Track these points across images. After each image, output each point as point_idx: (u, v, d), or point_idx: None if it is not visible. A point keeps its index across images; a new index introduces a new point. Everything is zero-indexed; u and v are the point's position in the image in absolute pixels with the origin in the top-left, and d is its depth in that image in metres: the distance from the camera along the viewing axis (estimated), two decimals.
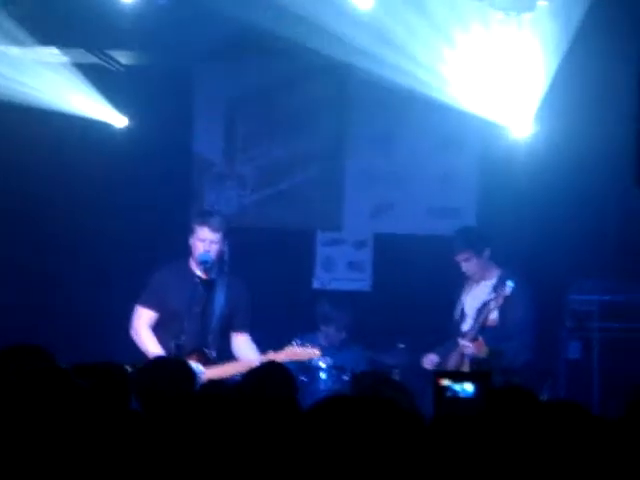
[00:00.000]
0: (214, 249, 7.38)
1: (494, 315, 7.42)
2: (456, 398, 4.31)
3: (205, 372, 6.90)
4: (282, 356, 7.14)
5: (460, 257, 7.74)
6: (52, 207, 9.12)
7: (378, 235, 9.50)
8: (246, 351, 7.39)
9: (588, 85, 8.07)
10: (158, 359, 5.77)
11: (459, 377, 4.47)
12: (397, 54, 7.80)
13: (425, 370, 7.66)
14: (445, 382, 4.35)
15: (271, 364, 5.51)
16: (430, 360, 7.77)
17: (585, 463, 3.26)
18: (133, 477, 2.87)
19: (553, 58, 7.70)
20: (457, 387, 4.34)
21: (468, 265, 7.73)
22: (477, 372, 6.62)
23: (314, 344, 7.45)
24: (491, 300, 7.41)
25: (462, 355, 7.52)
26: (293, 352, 7.26)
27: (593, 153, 8.24)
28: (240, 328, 7.48)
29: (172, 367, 5.25)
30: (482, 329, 7.43)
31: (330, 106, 9.47)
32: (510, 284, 7.32)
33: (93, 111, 8.98)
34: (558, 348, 8.27)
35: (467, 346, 7.43)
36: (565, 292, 8.35)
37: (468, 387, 4.33)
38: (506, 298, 7.35)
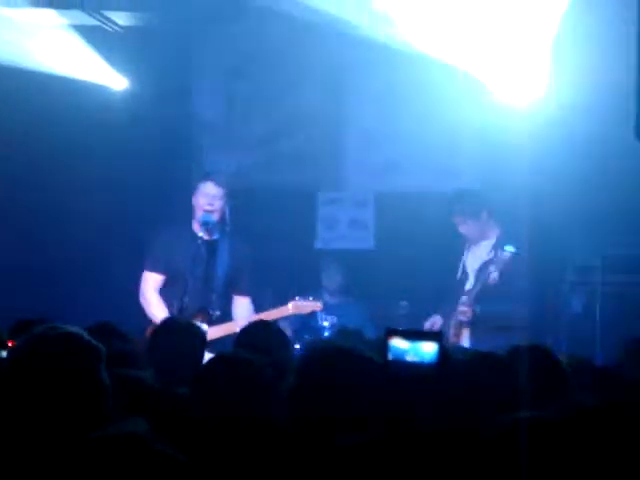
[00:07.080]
0: (217, 206, 7.35)
1: (495, 275, 7.34)
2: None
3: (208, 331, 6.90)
4: (285, 311, 7.23)
5: (456, 220, 7.67)
6: (51, 171, 9.08)
7: (379, 194, 9.49)
8: (243, 314, 7.36)
9: (592, 42, 8.00)
10: (169, 321, 5.74)
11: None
12: (395, 13, 7.75)
13: None
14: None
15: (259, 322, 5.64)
16: (431, 323, 7.62)
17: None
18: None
19: (555, 14, 7.63)
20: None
21: (464, 227, 7.64)
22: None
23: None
24: (491, 262, 7.32)
25: (461, 322, 7.41)
26: (295, 306, 7.31)
27: (596, 110, 8.19)
28: (242, 291, 7.48)
29: (182, 328, 5.33)
30: (483, 289, 7.34)
31: (329, 67, 9.42)
32: (509, 249, 7.22)
33: (92, 73, 8.94)
34: (561, 303, 8.28)
35: (466, 312, 7.31)
36: (567, 247, 8.34)
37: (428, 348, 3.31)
38: (506, 262, 7.26)
